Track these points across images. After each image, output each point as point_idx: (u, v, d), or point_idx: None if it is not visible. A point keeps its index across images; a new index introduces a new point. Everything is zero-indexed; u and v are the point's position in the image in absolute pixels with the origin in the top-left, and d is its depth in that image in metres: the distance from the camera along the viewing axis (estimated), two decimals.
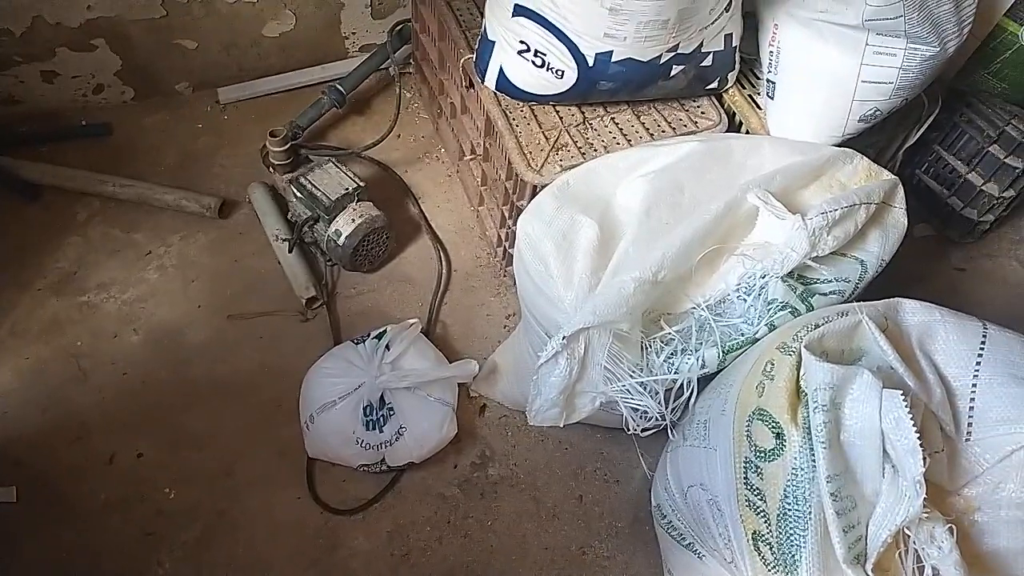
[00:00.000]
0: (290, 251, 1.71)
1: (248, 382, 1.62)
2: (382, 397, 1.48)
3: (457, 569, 1.44)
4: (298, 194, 1.69)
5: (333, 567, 1.43)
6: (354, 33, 2.04)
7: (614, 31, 1.33)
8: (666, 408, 1.20)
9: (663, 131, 1.55)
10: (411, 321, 1.61)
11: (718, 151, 1.42)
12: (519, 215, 1.58)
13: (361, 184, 1.69)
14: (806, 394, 1.00)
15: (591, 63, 1.40)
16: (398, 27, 1.97)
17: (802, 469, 0.95)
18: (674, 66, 1.46)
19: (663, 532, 1.32)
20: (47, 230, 1.79)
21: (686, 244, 1.26)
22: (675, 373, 1.23)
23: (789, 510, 0.94)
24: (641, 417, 1.22)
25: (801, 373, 1.03)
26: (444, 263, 1.79)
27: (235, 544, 1.44)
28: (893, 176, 1.40)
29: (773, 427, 0.99)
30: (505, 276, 1.78)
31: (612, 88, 1.47)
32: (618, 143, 1.52)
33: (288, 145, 1.72)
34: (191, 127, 1.97)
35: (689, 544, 1.24)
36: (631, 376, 1.19)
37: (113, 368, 1.61)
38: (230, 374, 1.62)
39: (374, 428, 1.46)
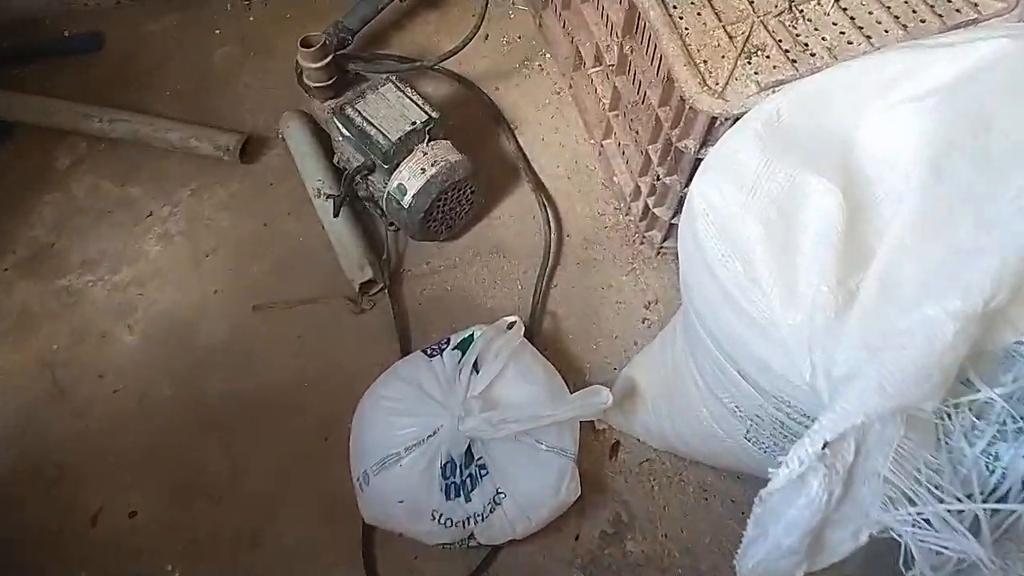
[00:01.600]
0: (336, 215, 1.19)
1: (283, 401, 1.14)
2: (469, 449, 0.98)
3: None
4: (344, 131, 1.15)
5: None
6: None
7: None
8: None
9: (923, 21, 0.94)
10: (509, 320, 1.08)
11: None
12: (680, 163, 1.02)
13: (433, 115, 1.14)
14: None
15: None
16: None
17: None
18: None
19: None
20: (17, 184, 1.32)
21: None
22: (1001, 476, 0.67)
23: None
24: (937, 556, 0.67)
25: None
26: (552, 224, 1.25)
27: None
28: None
29: None
30: (642, 243, 1.22)
31: None
32: (850, 43, 0.92)
33: (329, 59, 1.17)
34: (206, 33, 1.44)
35: None
36: (932, 493, 0.64)
37: (100, 383, 1.16)
38: (257, 390, 1.15)
39: (458, 495, 0.97)
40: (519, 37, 1.42)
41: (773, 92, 0.89)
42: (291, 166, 1.29)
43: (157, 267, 1.24)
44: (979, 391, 0.68)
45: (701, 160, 0.98)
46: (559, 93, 1.36)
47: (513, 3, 1.45)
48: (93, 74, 1.41)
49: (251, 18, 1.45)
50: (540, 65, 1.39)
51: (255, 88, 1.39)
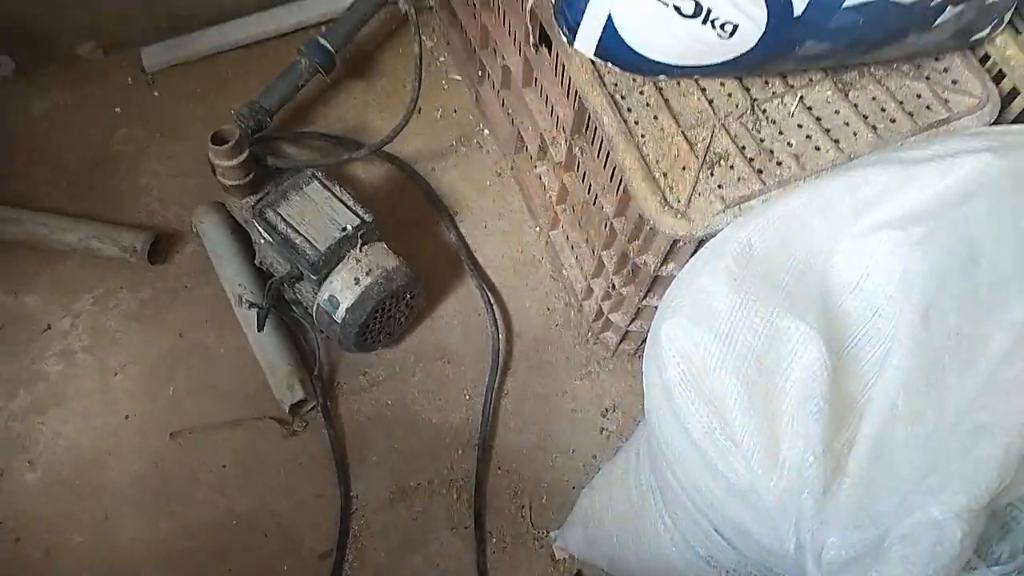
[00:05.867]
0: (260, 329, 1.07)
1: (209, 546, 1.02)
2: None
3: None
4: (266, 236, 1.04)
5: None
6: None
7: None
8: None
9: (892, 121, 0.87)
10: None
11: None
12: (637, 277, 0.94)
13: (366, 219, 1.03)
14: None
15: (800, 10, 0.72)
16: None
17: None
18: (948, 8, 0.77)
19: None
20: None
21: None
22: None
23: None
24: None
25: None
26: (500, 324, 1.15)
27: None
28: None
29: None
30: (596, 344, 1.14)
31: (821, 53, 0.79)
32: (818, 148, 0.85)
33: (245, 155, 1.05)
34: (104, 112, 1.29)
35: None
36: None
37: None
38: (179, 533, 1.03)
39: None
40: (455, 111, 1.31)
41: (739, 210, 0.81)
42: (208, 265, 1.17)
43: (59, 390, 1.10)
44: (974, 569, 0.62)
45: (661, 277, 0.90)
46: (500, 174, 1.26)
47: (447, 73, 1.34)
48: None
49: (155, 93, 1.31)
50: (479, 142, 1.29)
51: (162, 175, 1.25)
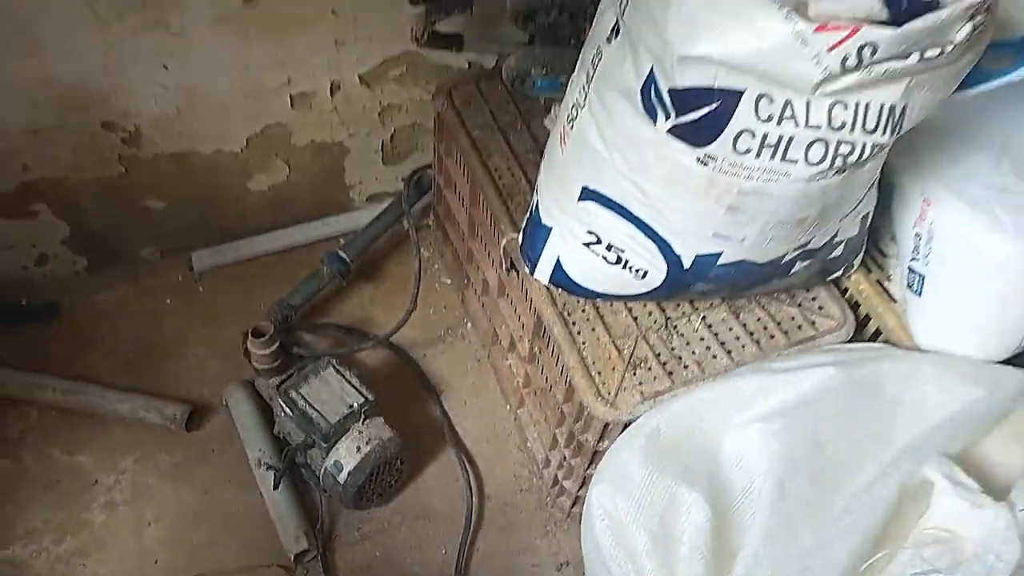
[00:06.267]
0: (276, 487, 1.30)
1: None
2: None
3: None
4: (287, 410, 1.29)
5: None
6: (360, 183, 1.68)
7: (729, 232, 0.95)
8: None
9: (772, 337, 1.16)
10: None
11: (863, 382, 1.03)
12: (581, 451, 1.18)
13: (369, 398, 1.29)
14: None
15: (688, 265, 1.02)
16: (416, 176, 1.60)
17: None
18: (798, 263, 1.08)
19: None
20: None
21: (853, 557, 0.87)
22: None
23: None
24: None
25: None
26: (474, 487, 1.38)
27: None
28: None
29: None
30: (554, 507, 1.36)
31: (711, 289, 1.09)
32: (715, 356, 1.13)
33: (276, 345, 1.33)
34: (157, 303, 1.58)
35: None
36: None
37: None
38: None
39: None
40: (444, 307, 1.61)
41: (654, 402, 1.08)
42: (233, 433, 1.41)
43: (100, 537, 1.31)
44: None
45: (599, 452, 1.15)
46: (479, 360, 1.54)
47: (439, 278, 1.65)
48: (48, 340, 1.51)
49: (200, 289, 1.61)
50: (462, 334, 1.58)
51: (201, 356, 1.52)
